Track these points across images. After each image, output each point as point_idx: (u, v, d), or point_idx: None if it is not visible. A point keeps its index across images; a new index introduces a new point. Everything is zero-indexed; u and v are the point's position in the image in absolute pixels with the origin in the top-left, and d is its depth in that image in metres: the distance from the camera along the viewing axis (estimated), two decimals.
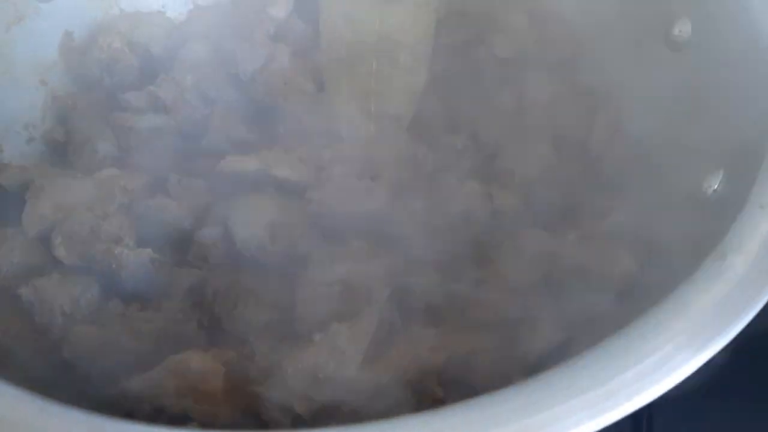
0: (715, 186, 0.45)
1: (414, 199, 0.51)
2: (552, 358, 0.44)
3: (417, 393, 0.40)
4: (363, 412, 0.39)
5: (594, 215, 0.50)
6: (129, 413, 0.39)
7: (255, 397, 0.41)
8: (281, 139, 0.58)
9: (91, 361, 0.41)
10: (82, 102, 0.60)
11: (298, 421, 0.39)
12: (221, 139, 0.57)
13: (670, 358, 0.31)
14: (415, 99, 0.60)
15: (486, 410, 0.29)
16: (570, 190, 0.51)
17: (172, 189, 0.52)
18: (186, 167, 0.55)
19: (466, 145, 0.57)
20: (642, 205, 0.50)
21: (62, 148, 0.59)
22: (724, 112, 0.48)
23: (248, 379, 0.41)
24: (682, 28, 0.54)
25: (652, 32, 0.56)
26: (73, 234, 0.47)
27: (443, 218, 0.49)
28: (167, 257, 0.49)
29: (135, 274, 0.46)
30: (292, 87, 0.59)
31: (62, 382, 0.42)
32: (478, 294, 0.45)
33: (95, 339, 0.41)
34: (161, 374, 0.39)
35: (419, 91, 0.60)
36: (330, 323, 0.43)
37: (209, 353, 0.41)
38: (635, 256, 0.45)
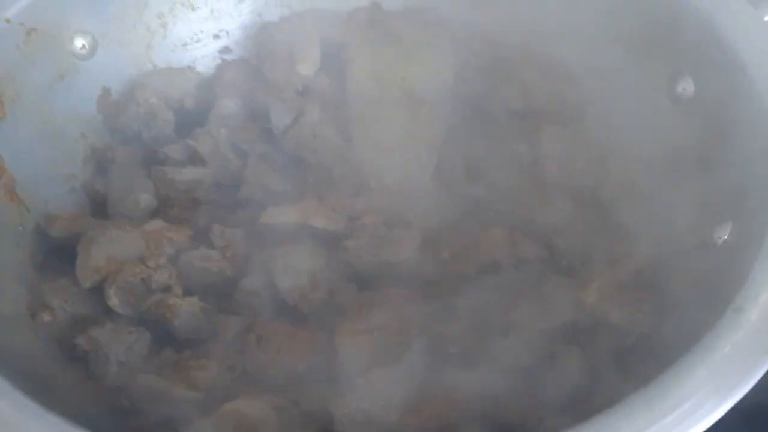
0: (725, 237, 0.48)
1: (442, 247, 0.55)
2: (579, 400, 0.47)
3: None
4: None
5: (610, 263, 0.54)
6: None
7: None
8: (312, 188, 0.61)
9: (150, 408, 0.43)
10: (120, 154, 0.63)
11: None
12: (257, 189, 0.60)
13: (697, 408, 0.34)
14: (437, 150, 0.63)
15: None
16: (587, 239, 0.55)
17: (215, 239, 0.55)
18: (226, 218, 0.58)
19: (485, 194, 0.61)
20: (655, 253, 0.53)
21: (102, 199, 0.62)
22: (729, 166, 0.52)
23: (297, 424, 0.44)
24: (686, 86, 0.58)
25: (656, 89, 0.60)
26: (126, 285, 0.49)
27: (472, 266, 0.53)
28: (212, 305, 0.52)
29: (186, 322, 0.48)
30: (321, 140, 0.62)
31: (119, 430, 0.44)
32: (508, 340, 0.48)
33: (154, 387, 0.44)
34: (218, 421, 0.42)
35: (440, 142, 0.64)
36: (372, 369, 0.46)
37: (261, 399, 0.44)
38: (653, 303, 0.48)
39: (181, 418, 0.43)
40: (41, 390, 0.37)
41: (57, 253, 0.55)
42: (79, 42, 0.63)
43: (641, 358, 0.47)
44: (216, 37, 0.74)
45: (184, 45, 0.72)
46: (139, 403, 0.44)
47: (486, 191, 0.61)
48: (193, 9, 0.71)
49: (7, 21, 0.57)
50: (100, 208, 0.61)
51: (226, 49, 0.74)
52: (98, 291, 0.51)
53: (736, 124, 0.52)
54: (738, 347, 0.37)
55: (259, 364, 0.49)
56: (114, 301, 0.49)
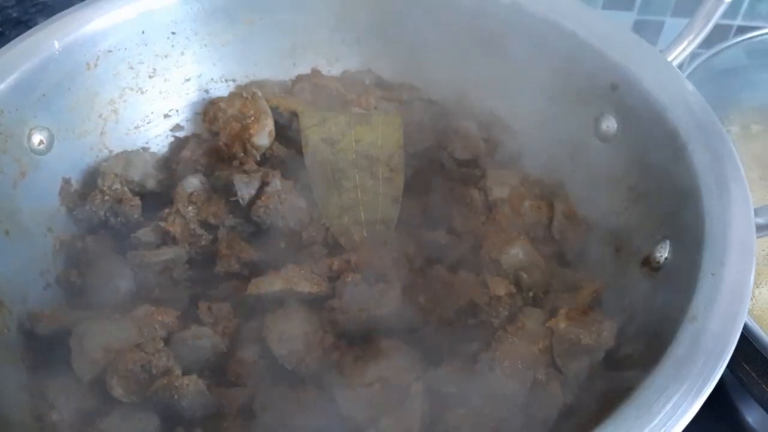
0: (666, 254, 0.55)
1: (421, 295, 0.59)
2: (566, 418, 0.52)
3: None
4: None
5: (569, 289, 0.60)
6: None
7: None
8: (285, 254, 0.64)
9: None
10: (90, 244, 0.64)
11: None
12: (233, 261, 0.63)
13: (679, 405, 0.40)
14: (398, 204, 0.68)
15: None
16: (546, 270, 0.61)
17: (204, 316, 0.56)
18: (207, 293, 0.60)
19: (447, 240, 0.66)
20: (607, 277, 0.60)
21: (77, 290, 0.62)
22: (658, 190, 0.60)
23: None
24: (609, 124, 0.66)
25: (583, 129, 0.68)
26: (127, 373, 0.50)
27: (451, 310, 0.57)
28: (210, 380, 0.53)
29: (194, 401, 0.50)
30: (288, 206, 0.66)
31: None
32: (495, 374, 0.53)
33: None
34: None
35: (399, 196, 0.69)
36: (379, 419, 0.49)
37: None
38: (615, 321, 0.54)
39: None
40: None
41: (45, 351, 0.55)
42: (36, 138, 0.63)
43: (613, 370, 0.52)
44: (166, 116, 0.76)
45: (137, 127, 0.74)
46: None
47: (447, 237, 0.66)
48: (142, 92, 0.74)
49: None
50: (76, 299, 0.62)
51: (177, 127, 0.77)
52: (99, 382, 0.51)
53: (657, 157, 0.60)
54: (700, 352, 0.43)
55: (268, 430, 0.51)
56: (118, 391, 0.50)
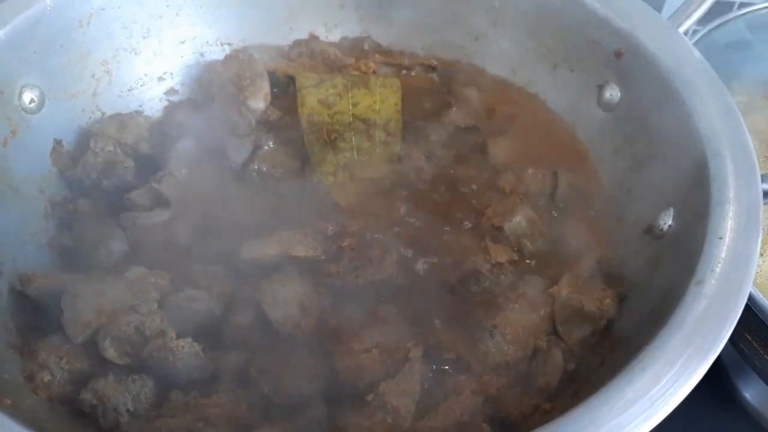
0: (670, 222, 0.54)
1: (420, 261, 0.58)
2: (566, 384, 0.51)
3: None
4: None
5: (573, 258, 0.59)
6: None
7: None
8: (280, 216, 0.63)
9: None
10: (83, 206, 0.62)
11: None
12: (227, 225, 0.61)
13: (685, 368, 0.40)
14: (393, 163, 0.67)
15: None
16: (550, 239, 0.60)
17: (198, 279, 0.55)
18: (203, 256, 0.59)
19: (449, 201, 0.65)
20: (609, 245, 0.59)
21: (70, 253, 0.61)
22: (661, 159, 0.59)
23: None
24: (612, 93, 0.65)
25: (587, 97, 0.67)
26: (121, 335, 0.49)
27: (451, 277, 0.56)
28: (205, 344, 0.52)
29: (189, 363, 0.49)
30: (281, 168, 0.64)
31: None
32: (495, 340, 0.52)
33: (179, 429, 0.44)
34: None
35: (395, 157, 0.67)
36: (377, 383, 0.48)
37: (278, 427, 0.45)
38: (618, 288, 0.54)
39: None
40: None
41: (36, 312, 0.54)
42: (27, 96, 0.62)
43: (615, 338, 0.52)
44: (161, 79, 0.74)
45: (130, 90, 0.72)
46: None
47: (449, 199, 0.64)
48: (136, 53, 0.71)
49: None
50: (68, 262, 0.60)
51: (171, 91, 0.75)
52: (91, 344, 0.50)
53: (662, 125, 0.59)
54: (707, 314, 0.42)
55: (264, 395, 0.50)
56: (110, 352, 0.49)
